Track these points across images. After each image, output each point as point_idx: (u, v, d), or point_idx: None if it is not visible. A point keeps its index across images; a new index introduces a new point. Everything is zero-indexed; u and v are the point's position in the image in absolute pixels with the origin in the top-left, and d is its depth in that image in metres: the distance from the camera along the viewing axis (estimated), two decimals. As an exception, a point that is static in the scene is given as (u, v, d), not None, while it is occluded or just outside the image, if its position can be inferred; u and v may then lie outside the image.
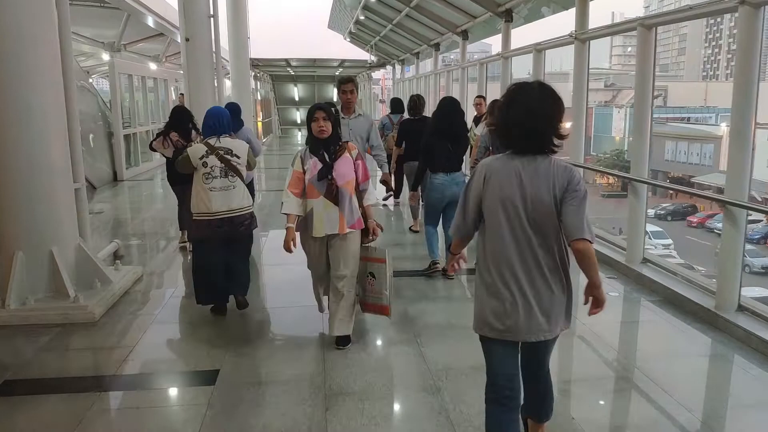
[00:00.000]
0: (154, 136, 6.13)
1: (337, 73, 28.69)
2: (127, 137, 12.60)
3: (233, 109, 5.92)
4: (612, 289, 5.14)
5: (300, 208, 3.75)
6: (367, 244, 3.95)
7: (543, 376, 2.50)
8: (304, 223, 3.79)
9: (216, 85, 11.29)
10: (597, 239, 6.11)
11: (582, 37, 6.52)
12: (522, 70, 10.80)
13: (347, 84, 5.23)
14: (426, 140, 5.14)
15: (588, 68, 6.86)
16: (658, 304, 4.76)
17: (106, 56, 19.91)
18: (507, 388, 2.35)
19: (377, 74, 28.57)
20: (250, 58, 18.89)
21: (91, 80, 21.01)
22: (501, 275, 2.27)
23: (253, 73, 23.77)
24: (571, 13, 6.94)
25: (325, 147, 3.73)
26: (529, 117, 2.20)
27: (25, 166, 4.41)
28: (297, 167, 3.76)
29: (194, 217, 4.18)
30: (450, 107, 5.20)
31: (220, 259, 4.24)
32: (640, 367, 3.75)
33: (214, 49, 11.34)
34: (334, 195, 3.69)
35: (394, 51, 19.15)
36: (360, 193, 3.83)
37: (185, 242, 6.23)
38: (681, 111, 47.76)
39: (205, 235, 4.17)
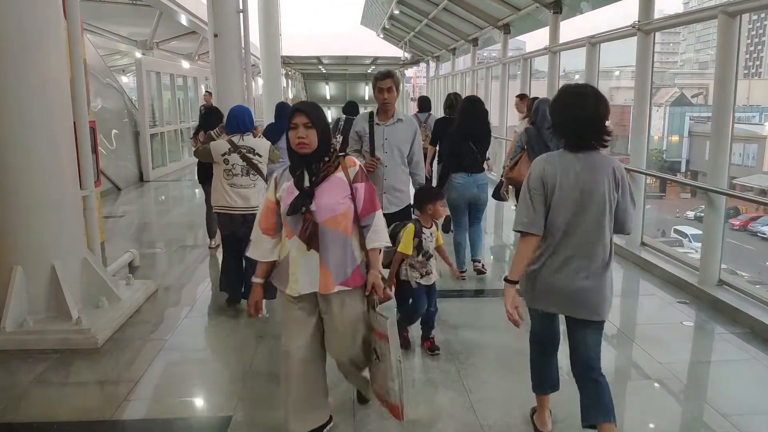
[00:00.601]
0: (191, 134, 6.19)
1: (369, 71, 28.21)
2: (154, 136, 12.29)
3: (282, 107, 6.14)
4: (685, 317, 4.50)
5: (273, 252, 2.63)
6: (371, 307, 2.66)
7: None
8: (280, 273, 2.65)
9: (245, 82, 10.86)
10: (659, 253, 5.69)
11: (646, 28, 5.83)
12: (567, 66, 9.94)
13: (385, 80, 3.82)
14: (450, 141, 4.98)
15: (653, 63, 6.14)
16: (743, 336, 4.06)
17: (139, 54, 19.90)
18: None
19: (409, 72, 27.89)
20: (282, 56, 18.52)
21: (125, 79, 21.01)
22: (558, 255, 2.45)
23: (284, 72, 23.47)
24: (624, 4, 6.14)
25: (307, 166, 2.54)
26: (587, 118, 2.40)
27: (23, 169, 3.94)
28: (270, 193, 2.64)
29: (215, 210, 4.28)
30: (473, 107, 5.03)
31: (239, 260, 4.30)
32: (735, 423, 3.02)
33: (243, 46, 10.94)
34: (309, 236, 2.49)
35: (428, 47, 18.45)
36: (363, 230, 2.60)
37: (215, 246, 6.21)
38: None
39: (229, 230, 4.25)
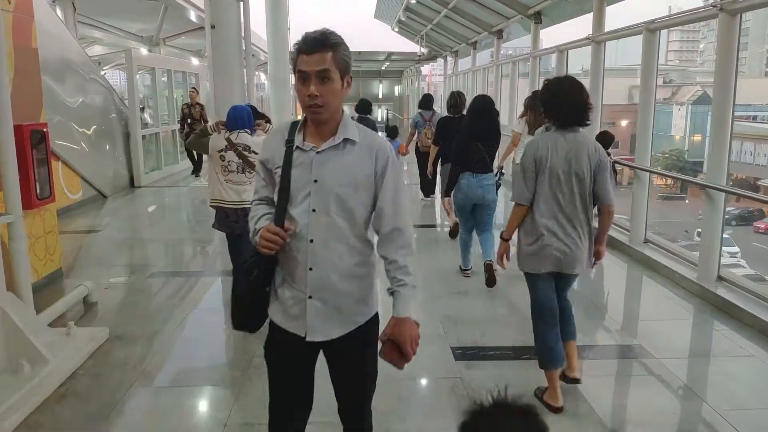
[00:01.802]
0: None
1: (383, 68, 27.03)
2: (149, 138, 11.26)
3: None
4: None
5: None
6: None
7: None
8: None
9: (245, 78, 9.77)
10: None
11: (731, 8, 4.72)
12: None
13: (313, 54, 1.75)
14: (457, 141, 4.91)
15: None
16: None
17: (145, 51, 19.12)
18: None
19: (424, 70, 26.64)
20: (290, 51, 17.41)
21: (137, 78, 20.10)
22: (548, 224, 2.93)
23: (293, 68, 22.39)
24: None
25: None
26: (570, 103, 2.90)
27: None
28: None
29: (210, 204, 4.28)
30: (482, 106, 4.95)
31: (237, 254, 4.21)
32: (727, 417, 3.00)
33: (243, 38, 9.85)
34: None
35: (447, 41, 17.18)
36: None
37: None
38: (747, 109, 44.60)
39: (225, 227, 4.25)
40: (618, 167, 6.33)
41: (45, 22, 7.75)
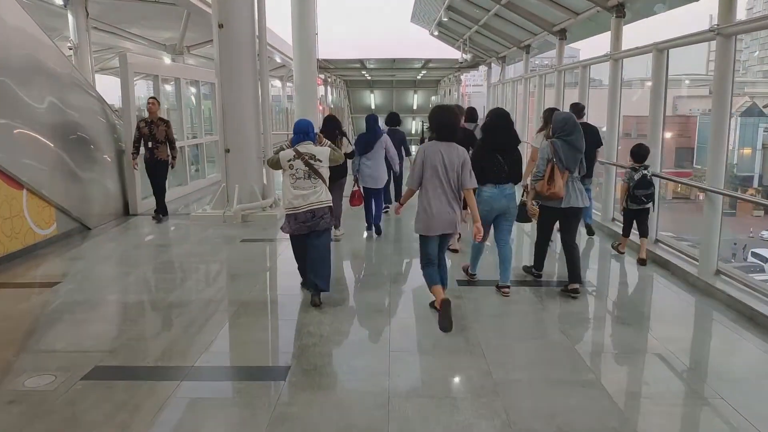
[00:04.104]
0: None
1: (419, 77, 25.27)
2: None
3: (372, 118, 7.44)
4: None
5: None
6: None
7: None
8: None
9: (259, 84, 8.12)
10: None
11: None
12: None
13: None
14: (475, 153, 5.04)
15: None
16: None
17: (168, 60, 18.06)
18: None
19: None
20: (318, 59, 15.86)
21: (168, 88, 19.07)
22: (432, 204, 4.36)
23: (323, 77, 20.84)
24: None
25: None
26: (445, 125, 4.46)
27: None
28: None
29: (285, 211, 4.83)
30: (499, 119, 5.09)
31: (305, 251, 4.92)
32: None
33: (257, 40, 8.23)
34: None
35: (493, 46, 15.26)
36: None
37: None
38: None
39: (294, 228, 4.79)
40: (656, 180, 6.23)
41: (6, 15, 6.22)
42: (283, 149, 4.83)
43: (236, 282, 5.63)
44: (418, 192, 4.41)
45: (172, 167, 8.42)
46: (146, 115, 8.47)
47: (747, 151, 37.47)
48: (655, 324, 4.49)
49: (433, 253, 4.47)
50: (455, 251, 6.38)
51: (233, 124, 8.45)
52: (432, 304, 4.61)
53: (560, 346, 4.07)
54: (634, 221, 6.15)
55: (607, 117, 7.73)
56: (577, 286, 4.93)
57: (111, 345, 4.11)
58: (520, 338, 4.24)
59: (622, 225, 6.37)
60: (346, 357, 3.92)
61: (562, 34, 10.00)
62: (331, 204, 4.83)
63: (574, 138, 4.88)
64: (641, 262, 5.98)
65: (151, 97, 8.48)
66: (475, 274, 5.38)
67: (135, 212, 8.90)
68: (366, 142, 7.05)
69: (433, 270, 4.48)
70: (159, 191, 8.46)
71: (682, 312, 5.00)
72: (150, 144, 8.11)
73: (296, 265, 5.17)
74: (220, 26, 8.35)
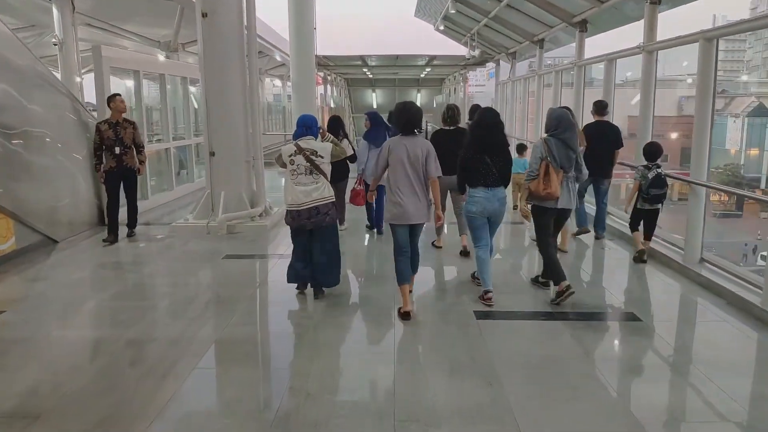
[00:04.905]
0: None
1: (422, 74, 24.36)
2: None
3: (375, 116, 7.25)
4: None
5: None
6: None
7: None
8: None
9: (248, 80, 7.26)
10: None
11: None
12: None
13: None
14: (462, 155, 4.86)
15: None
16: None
17: (161, 57, 17.27)
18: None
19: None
20: (317, 55, 15.02)
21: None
22: (400, 196, 4.44)
23: (322, 74, 19.95)
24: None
25: None
26: (409, 120, 4.50)
27: None
28: None
29: (287, 208, 4.73)
30: (488, 119, 4.86)
31: (306, 249, 4.82)
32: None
33: (246, 31, 7.39)
34: None
35: (503, 41, 14.33)
36: None
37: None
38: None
39: (297, 224, 4.69)
40: (669, 181, 6.01)
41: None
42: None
43: (211, 312, 4.73)
44: (387, 185, 4.55)
45: (140, 173, 7.23)
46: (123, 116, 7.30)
47: (754, 152, 37.23)
48: (720, 374, 3.60)
49: (403, 241, 4.54)
50: (439, 247, 6.55)
51: (219, 124, 7.58)
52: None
53: (615, 411, 3.17)
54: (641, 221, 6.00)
55: (640, 116, 6.86)
56: (569, 282, 4.68)
57: (41, 405, 3.22)
58: (562, 398, 3.30)
59: (629, 223, 6.13)
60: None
61: (583, 26, 9.09)
62: (335, 199, 4.77)
63: (568, 136, 4.70)
64: (638, 260, 5.92)
65: (115, 95, 7.02)
66: (490, 291, 4.75)
67: (112, 222, 8.02)
68: (375, 137, 6.80)
69: (405, 260, 4.56)
70: (132, 205, 7.30)
71: (751, 357, 4.10)
72: (118, 150, 6.83)
73: (287, 285, 4.90)
74: (204, 15, 7.49)
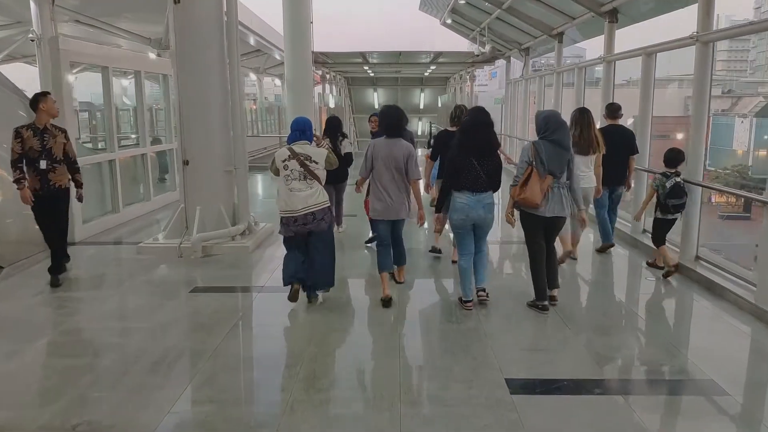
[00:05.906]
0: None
1: (426, 73, 23.26)
2: (97, 166, 7.83)
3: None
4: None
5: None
6: None
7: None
8: None
9: (228, 77, 6.19)
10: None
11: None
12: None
13: None
14: (449, 157, 4.71)
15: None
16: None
17: (152, 55, 16.21)
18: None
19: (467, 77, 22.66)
20: (314, 52, 14.02)
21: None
22: (382, 194, 4.74)
23: (320, 73, 18.88)
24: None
25: None
26: (392, 124, 4.79)
27: None
28: None
29: (281, 215, 4.66)
30: (476, 119, 4.66)
31: (302, 254, 4.75)
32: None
33: (225, 21, 6.34)
34: None
35: (516, 35, 13.19)
36: None
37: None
38: None
39: (291, 231, 4.63)
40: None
41: None
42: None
43: (160, 378, 3.60)
44: (373, 183, 4.79)
45: (80, 200, 5.68)
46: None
47: (762, 153, 36.41)
48: None
49: (384, 234, 4.89)
50: (439, 252, 6.49)
51: (194, 127, 6.50)
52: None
53: None
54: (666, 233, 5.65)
55: (693, 115, 5.78)
56: (556, 293, 4.78)
57: None
58: None
59: (651, 235, 5.72)
60: None
61: (613, 16, 8.00)
62: (329, 203, 4.76)
63: (558, 137, 4.50)
64: (667, 275, 5.55)
65: (46, 93, 5.44)
66: (471, 300, 4.73)
67: (72, 240, 6.89)
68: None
69: (387, 252, 4.97)
70: (62, 235, 5.62)
71: None
72: (44, 164, 5.22)
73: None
74: (176, 1, 6.41)
